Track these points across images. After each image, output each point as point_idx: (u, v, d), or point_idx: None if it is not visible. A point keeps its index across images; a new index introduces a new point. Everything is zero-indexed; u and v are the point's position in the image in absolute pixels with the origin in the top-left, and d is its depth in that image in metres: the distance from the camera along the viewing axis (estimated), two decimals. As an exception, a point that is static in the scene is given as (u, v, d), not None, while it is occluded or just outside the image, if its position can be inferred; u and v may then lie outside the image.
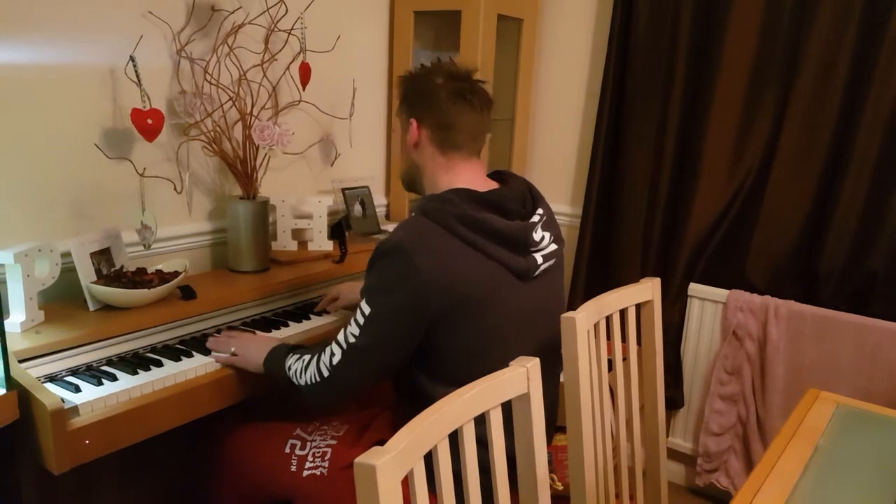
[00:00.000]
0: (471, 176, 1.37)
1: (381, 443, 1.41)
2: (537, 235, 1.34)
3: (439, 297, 1.23)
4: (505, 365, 1.27)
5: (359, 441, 1.45)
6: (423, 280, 1.21)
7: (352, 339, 1.27)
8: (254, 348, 1.44)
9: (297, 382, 1.35)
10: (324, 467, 1.42)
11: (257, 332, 1.61)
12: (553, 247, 1.39)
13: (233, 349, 1.45)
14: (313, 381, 1.32)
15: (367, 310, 1.25)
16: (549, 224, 1.40)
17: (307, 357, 1.35)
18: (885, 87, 1.90)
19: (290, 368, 1.36)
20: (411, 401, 1.37)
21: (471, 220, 1.26)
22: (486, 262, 1.27)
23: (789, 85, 2.05)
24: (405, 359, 1.30)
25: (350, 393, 1.33)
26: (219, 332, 1.61)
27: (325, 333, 1.67)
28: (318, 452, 1.44)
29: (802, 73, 2.01)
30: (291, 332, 1.64)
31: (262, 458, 1.49)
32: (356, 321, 1.27)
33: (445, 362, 1.30)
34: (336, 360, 1.29)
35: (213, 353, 1.47)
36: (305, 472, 1.42)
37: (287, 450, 1.46)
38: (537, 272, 1.34)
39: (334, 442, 1.46)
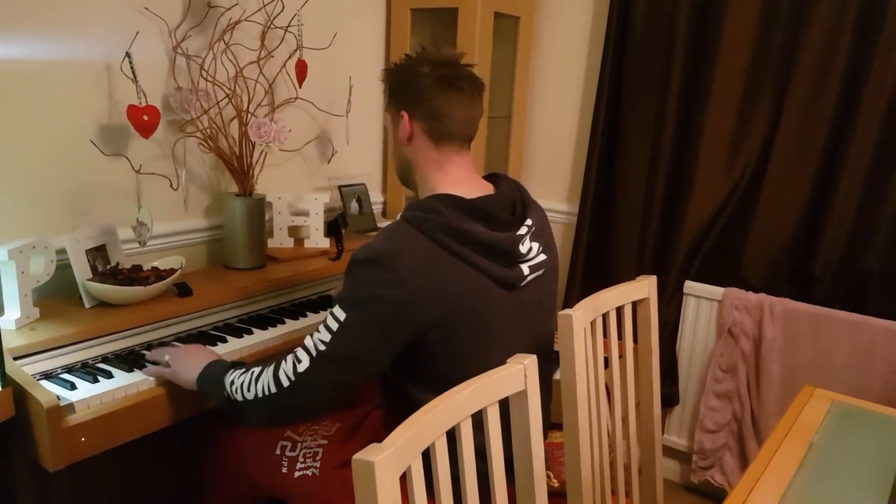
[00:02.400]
0: (462, 174, 1.33)
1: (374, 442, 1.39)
2: (524, 247, 1.29)
3: (424, 309, 1.18)
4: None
5: (350, 440, 1.44)
6: (407, 291, 1.16)
7: (322, 347, 1.18)
8: (188, 363, 1.34)
9: (240, 398, 1.24)
10: (315, 467, 1.40)
11: (254, 329, 1.61)
12: (542, 257, 1.34)
13: (167, 357, 1.35)
14: (267, 392, 1.21)
15: (341, 316, 1.17)
16: (539, 234, 1.34)
17: (256, 369, 1.25)
18: (880, 85, 1.91)
19: (232, 384, 1.26)
20: (401, 409, 1.33)
21: (456, 231, 1.20)
22: (472, 272, 1.22)
23: (785, 83, 2.05)
24: (377, 372, 1.25)
25: (313, 406, 1.24)
26: (216, 329, 1.61)
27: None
28: (309, 453, 1.43)
29: (798, 71, 2.02)
30: (288, 329, 1.64)
31: (253, 460, 1.48)
32: (327, 327, 1.19)
33: (433, 372, 1.25)
34: (302, 367, 1.19)
35: (146, 366, 1.37)
36: (297, 474, 1.41)
37: (278, 451, 1.45)
38: (524, 282, 1.30)
39: (325, 442, 1.44)
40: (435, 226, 1.20)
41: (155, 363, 1.38)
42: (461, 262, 1.21)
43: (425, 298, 1.17)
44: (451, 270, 1.20)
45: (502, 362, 1.26)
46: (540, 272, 1.33)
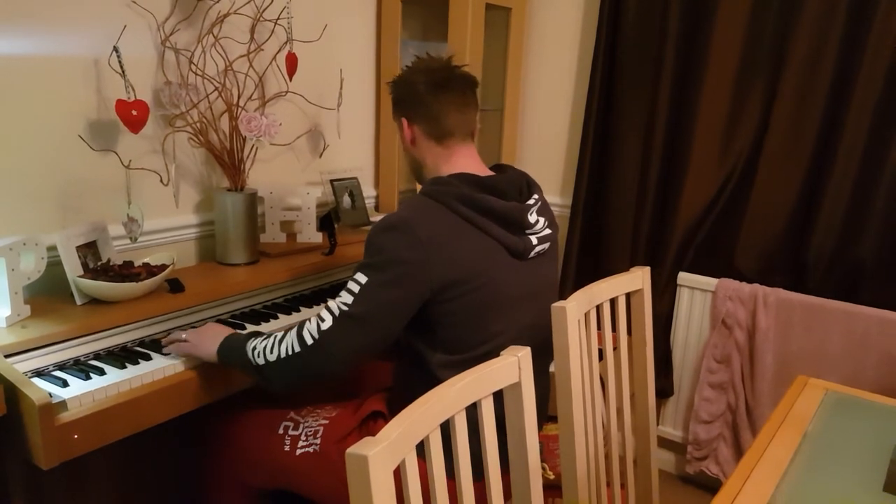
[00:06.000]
0: (469, 162, 1.43)
1: (377, 414, 1.42)
2: (532, 218, 1.39)
3: (440, 271, 1.27)
4: (500, 338, 1.33)
5: (351, 418, 1.46)
6: (425, 252, 1.25)
7: (345, 308, 1.26)
8: (208, 335, 1.40)
9: (262, 362, 1.31)
10: (316, 444, 1.43)
11: (248, 325, 1.60)
12: (547, 231, 1.44)
13: (184, 335, 1.41)
14: (291, 352, 1.28)
15: (363, 280, 1.26)
16: (544, 210, 1.45)
17: (278, 334, 1.33)
18: (872, 76, 1.91)
19: (254, 349, 1.32)
20: (411, 368, 1.40)
21: (470, 200, 1.31)
22: (485, 239, 1.32)
23: (778, 74, 2.05)
24: (397, 332, 1.31)
25: (335, 365, 1.28)
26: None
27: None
28: (311, 431, 1.46)
29: (791, 63, 2.01)
30: (281, 324, 1.63)
31: (256, 440, 1.50)
32: (349, 291, 1.27)
33: (443, 333, 1.33)
34: (326, 325, 1.26)
35: (164, 346, 1.42)
36: (299, 451, 1.44)
37: (280, 431, 1.48)
38: (532, 253, 1.39)
39: (326, 422, 1.47)
40: (449, 195, 1.31)
41: (174, 345, 1.42)
42: (474, 228, 1.32)
43: (441, 259, 1.27)
44: (465, 236, 1.31)
45: (506, 332, 1.35)
46: (546, 245, 1.43)
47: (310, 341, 1.27)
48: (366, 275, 1.26)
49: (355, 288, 1.27)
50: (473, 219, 1.31)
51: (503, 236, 1.34)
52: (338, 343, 1.27)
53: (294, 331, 1.30)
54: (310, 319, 1.30)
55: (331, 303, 1.29)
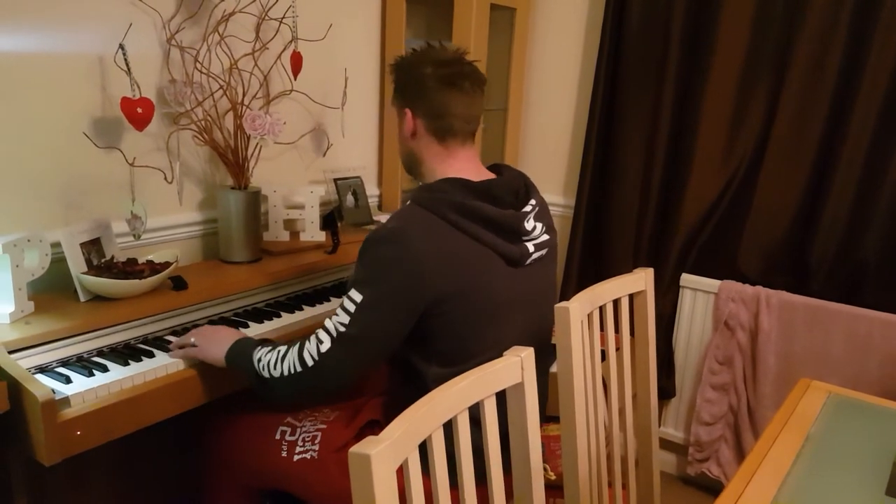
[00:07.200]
0: (466, 164, 1.38)
1: (373, 423, 1.41)
2: (529, 225, 1.35)
3: (435, 282, 1.23)
4: (497, 347, 1.29)
5: (350, 423, 1.45)
6: (420, 265, 1.22)
7: (342, 329, 1.24)
8: (216, 340, 1.39)
9: (267, 375, 1.30)
10: (314, 451, 1.42)
11: (250, 322, 1.60)
12: (545, 237, 1.40)
13: (192, 339, 1.39)
14: (292, 371, 1.27)
15: (357, 298, 1.23)
16: (542, 215, 1.41)
17: (282, 348, 1.31)
18: (876, 77, 1.90)
19: (259, 361, 1.31)
20: (406, 381, 1.38)
21: (463, 208, 1.26)
22: (479, 248, 1.28)
23: (782, 75, 2.05)
24: (396, 346, 1.29)
25: (337, 384, 1.29)
26: (211, 322, 1.60)
27: (318, 325, 1.66)
28: (308, 437, 1.44)
29: (795, 64, 2.01)
30: (284, 322, 1.63)
31: (253, 446, 1.49)
32: (345, 310, 1.25)
33: (439, 345, 1.30)
34: (325, 347, 1.25)
35: (171, 349, 1.41)
36: (296, 457, 1.43)
37: (277, 436, 1.46)
38: (529, 260, 1.35)
39: (324, 426, 1.46)
40: (442, 203, 1.27)
41: (181, 347, 1.41)
42: (468, 237, 1.27)
43: (436, 272, 1.23)
44: (460, 245, 1.27)
45: (505, 339, 1.31)
46: (543, 251, 1.39)
47: (310, 363, 1.26)
48: (360, 292, 1.23)
49: (350, 307, 1.24)
50: (467, 228, 1.27)
51: (499, 245, 1.30)
52: (337, 363, 1.26)
53: (295, 350, 1.28)
54: (309, 339, 1.28)
55: (328, 323, 1.26)
